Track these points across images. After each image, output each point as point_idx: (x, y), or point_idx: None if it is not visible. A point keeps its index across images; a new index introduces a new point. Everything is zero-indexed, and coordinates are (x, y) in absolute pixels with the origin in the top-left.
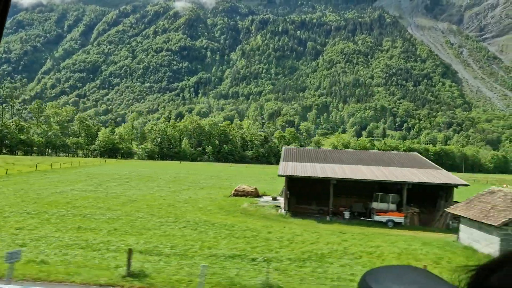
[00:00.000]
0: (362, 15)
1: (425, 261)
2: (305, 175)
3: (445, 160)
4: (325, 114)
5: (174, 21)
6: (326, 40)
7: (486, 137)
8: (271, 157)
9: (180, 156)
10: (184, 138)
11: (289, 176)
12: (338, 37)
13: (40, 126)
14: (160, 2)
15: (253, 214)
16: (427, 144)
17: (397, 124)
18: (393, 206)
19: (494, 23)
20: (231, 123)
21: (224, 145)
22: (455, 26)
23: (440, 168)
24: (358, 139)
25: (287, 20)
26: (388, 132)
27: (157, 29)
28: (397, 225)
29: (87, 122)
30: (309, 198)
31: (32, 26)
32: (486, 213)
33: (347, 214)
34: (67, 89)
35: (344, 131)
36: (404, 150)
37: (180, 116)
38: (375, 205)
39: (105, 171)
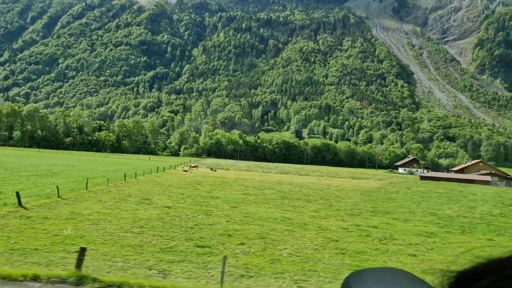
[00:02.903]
0: (328, 15)
1: None
2: None
3: (325, 154)
4: (273, 111)
5: (137, 15)
6: (290, 38)
7: (417, 136)
8: (99, 144)
9: None
10: None
11: None
12: (300, 35)
13: None
14: None
15: None
16: (365, 143)
17: (339, 122)
18: None
19: (456, 26)
20: (65, 111)
21: (39, 131)
22: (419, 28)
23: None
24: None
25: (253, 17)
26: (330, 130)
27: (119, 23)
28: None
29: None
30: None
31: None
32: None
33: None
34: (21, 81)
35: (289, 129)
36: (277, 143)
37: (126, 110)
38: None
39: None
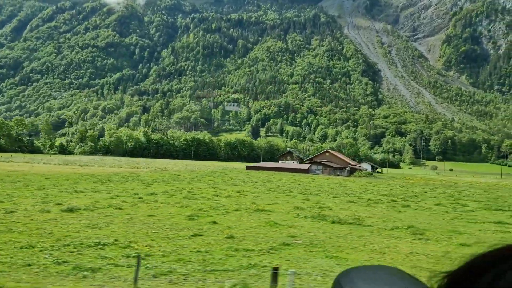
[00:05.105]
0: (300, 14)
1: None
2: None
3: (240, 149)
4: (234, 111)
5: (106, 17)
6: (260, 38)
7: (369, 133)
8: None
9: None
10: None
11: None
12: (270, 35)
13: None
14: None
15: None
16: (320, 140)
17: (297, 120)
18: None
19: (426, 23)
20: None
21: None
22: (390, 26)
23: None
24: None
25: (223, 18)
26: (287, 128)
27: (88, 26)
28: None
29: None
30: None
31: None
32: None
33: None
34: None
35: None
36: (186, 140)
37: (84, 112)
38: None
39: None
